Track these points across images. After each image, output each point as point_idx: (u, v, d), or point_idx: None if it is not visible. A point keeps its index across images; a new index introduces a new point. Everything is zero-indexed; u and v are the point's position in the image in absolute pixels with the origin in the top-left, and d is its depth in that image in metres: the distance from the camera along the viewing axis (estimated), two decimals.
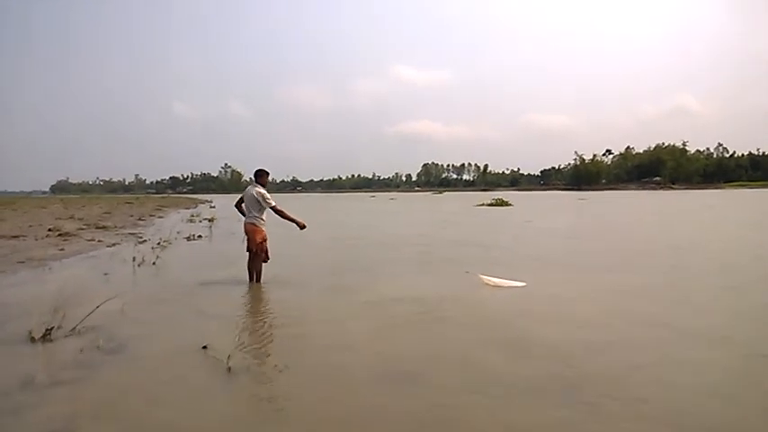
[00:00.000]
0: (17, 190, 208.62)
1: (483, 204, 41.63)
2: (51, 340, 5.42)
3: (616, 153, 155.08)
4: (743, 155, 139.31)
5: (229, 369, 4.45)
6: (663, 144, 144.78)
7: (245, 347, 5.13)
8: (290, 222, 8.68)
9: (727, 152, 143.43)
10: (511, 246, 14.56)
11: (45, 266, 10.96)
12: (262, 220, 8.55)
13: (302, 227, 8.67)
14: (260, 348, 5.23)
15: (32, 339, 5.40)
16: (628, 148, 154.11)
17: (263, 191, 8.52)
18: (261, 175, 8.72)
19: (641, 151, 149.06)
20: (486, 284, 8.26)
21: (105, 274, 9.88)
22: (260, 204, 8.46)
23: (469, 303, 7.16)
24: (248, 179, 9.22)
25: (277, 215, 8.62)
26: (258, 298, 7.85)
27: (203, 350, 5.00)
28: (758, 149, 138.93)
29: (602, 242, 15.30)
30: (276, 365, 4.63)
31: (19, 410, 3.74)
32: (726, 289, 8.04)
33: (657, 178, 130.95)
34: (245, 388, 4.16)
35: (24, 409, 3.77)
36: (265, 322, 6.43)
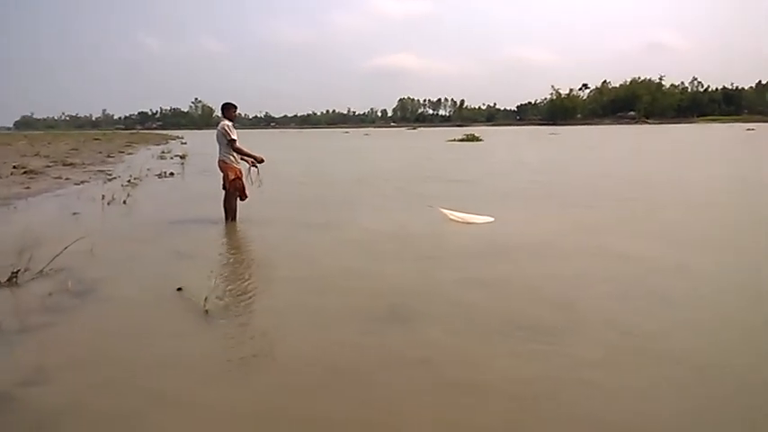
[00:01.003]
0: None
1: (454, 140, 41.67)
2: (18, 284, 5.18)
3: (592, 87, 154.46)
4: (717, 89, 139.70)
5: (206, 311, 4.31)
6: (639, 78, 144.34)
7: (221, 289, 4.97)
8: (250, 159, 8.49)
9: (702, 86, 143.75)
10: (479, 180, 14.57)
11: (10, 206, 10.55)
12: (232, 156, 8.22)
13: (260, 161, 8.51)
14: (237, 290, 5.07)
15: None
16: (604, 82, 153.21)
17: (228, 125, 8.15)
18: (227, 109, 8.34)
19: (617, 86, 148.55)
20: (453, 220, 8.24)
21: (74, 213, 9.54)
22: (225, 139, 8.14)
23: (444, 239, 7.10)
24: (218, 115, 8.80)
25: (235, 152, 8.29)
26: (234, 237, 7.66)
27: (178, 292, 4.84)
28: (732, 83, 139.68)
29: (565, 176, 15.42)
30: (254, 307, 4.52)
31: None
32: (673, 223, 8.10)
33: (632, 113, 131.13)
34: (223, 331, 4.03)
35: None
36: (242, 262, 6.29)
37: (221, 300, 4.61)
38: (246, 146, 8.50)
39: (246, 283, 5.29)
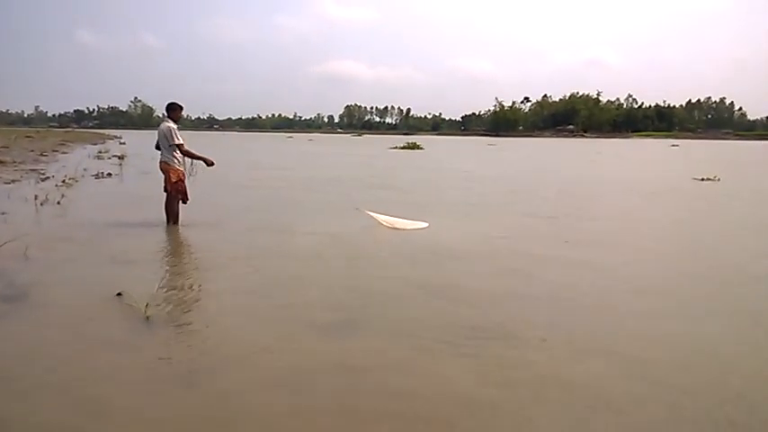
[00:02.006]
0: None
1: (396, 148, 42.50)
2: None
3: (534, 101, 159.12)
4: (650, 106, 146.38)
5: (147, 318, 4.15)
6: (577, 93, 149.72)
7: (163, 293, 4.78)
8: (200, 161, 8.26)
9: (636, 103, 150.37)
10: (414, 188, 14.96)
11: None
12: (176, 158, 7.99)
13: (210, 164, 8.29)
14: (179, 295, 4.90)
15: None
16: (545, 96, 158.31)
17: (171, 126, 7.94)
18: (173, 109, 8.11)
19: (557, 100, 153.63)
20: (384, 225, 8.35)
21: (2, 213, 9.02)
22: (168, 141, 7.91)
23: (385, 244, 7.12)
24: (160, 115, 8.57)
25: (182, 155, 8.09)
26: (176, 241, 7.43)
27: (118, 297, 4.64)
28: (664, 101, 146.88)
29: (498, 184, 16.15)
30: (196, 313, 4.38)
31: None
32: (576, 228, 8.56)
33: (571, 126, 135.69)
34: (165, 338, 3.88)
35: None
36: (184, 267, 6.11)
37: (163, 306, 4.44)
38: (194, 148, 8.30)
39: (189, 289, 5.12)
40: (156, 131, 8.10)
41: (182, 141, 7.93)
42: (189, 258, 6.65)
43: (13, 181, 14.16)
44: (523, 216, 9.98)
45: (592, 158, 33.13)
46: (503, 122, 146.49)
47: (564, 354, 3.73)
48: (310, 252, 6.67)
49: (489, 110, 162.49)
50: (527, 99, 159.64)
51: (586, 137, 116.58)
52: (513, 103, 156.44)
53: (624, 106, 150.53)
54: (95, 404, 2.94)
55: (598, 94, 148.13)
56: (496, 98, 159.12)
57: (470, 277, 5.64)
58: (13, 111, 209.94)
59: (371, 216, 8.53)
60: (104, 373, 3.33)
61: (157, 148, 8.12)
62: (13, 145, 32.68)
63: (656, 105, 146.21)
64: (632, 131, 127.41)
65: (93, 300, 4.67)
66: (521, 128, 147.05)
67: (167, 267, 5.99)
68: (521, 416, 2.94)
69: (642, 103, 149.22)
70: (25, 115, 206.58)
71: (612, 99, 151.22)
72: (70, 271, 5.75)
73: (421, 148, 42.48)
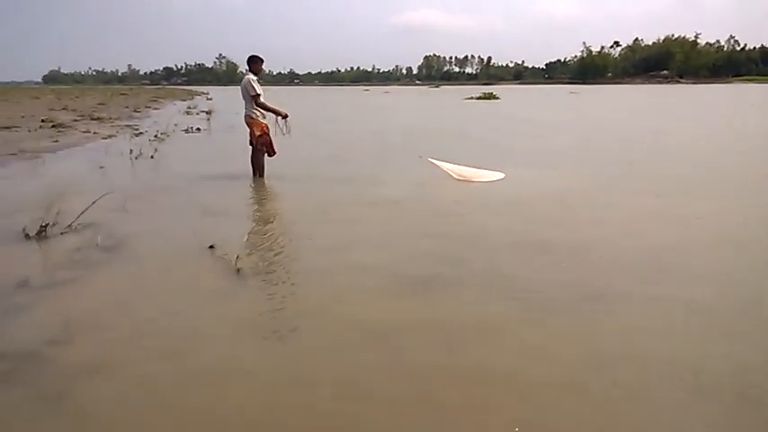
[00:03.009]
0: (8, 80, 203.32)
1: (471, 98, 41.63)
2: (47, 237, 5.09)
3: (624, 45, 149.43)
4: (754, 48, 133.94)
5: (238, 271, 4.15)
6: (672, 36, 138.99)
7: (253, 247, 4.79)
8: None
9: (738, 45, 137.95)
10: (484, 138, 14.63)
11: (38, 159, 10.53)
12: (258, 111, 7.98)
13: (284, 116, 8.15)
14: (268, 248, 4.87)
15: (27, 236, 5.07)
16: (636, 40, 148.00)
17: (252, 79, 7.90)
18: (254, 62, 8.05)
19: (650, 43, 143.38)
20: (454, 175, 8.07)
21: (101, 167, 9.45)
22: (250, 94, 7.89)
23: (467, 195, 6.82)
24: (243, 70, 8.58)
25: (258, 107, 8.03)
26: (263, 193, 7.48)
27: (210, 249, 4.69)
28: None
29: (576, 135, 15.26)
30: (285, 266, 4.32)
31: (10, 313, 3.45)
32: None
33: (665, 72, 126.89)
34: (254, 291, 3.85)
35: (17, 312, 3.47)
36: (272, 220, 6.09)
37: (252, 258, 4.43)
38: (270, 101, 8.25)
39: (277, 242, 5.08)
40: (240, 86, 8.09)
41: (259, 92, 7.88)
42: (275, 210, 6.66)
43: (110, 136, 14.86)
44: (605, 165, 9.47)
45: (683, 105, 30.84)
46: (590, 69, 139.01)
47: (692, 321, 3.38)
48: (391, 205, 6.51)
49: (575, 56, 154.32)
50: (617, 43, 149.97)
51: (682, 82, 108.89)
52: (602, 48, 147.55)
53: (725, 49, 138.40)
54: (185, 357, 2.94)
55: (696, 36, 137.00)
56: (584, 43, 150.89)
57: (568, 231, 5.29)
58: (108, 69, 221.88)
59: (436, 165, 8.23)
60: (196, 324, 3.33)
61: None
62: (109, 102, 34.49)
63: (762, 47, 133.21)
64: (733, 76, 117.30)
65: (186, 251, 4.74)
66: (609, 74, 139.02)
67: (255, 220, 6.03)
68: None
69: (745, 45, 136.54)
70: (119, 74, 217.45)
71: (711, 41, 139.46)
72: (165, 223, 5.90)
73: (496, 98, 41.54)
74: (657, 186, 7.56)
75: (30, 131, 15.32)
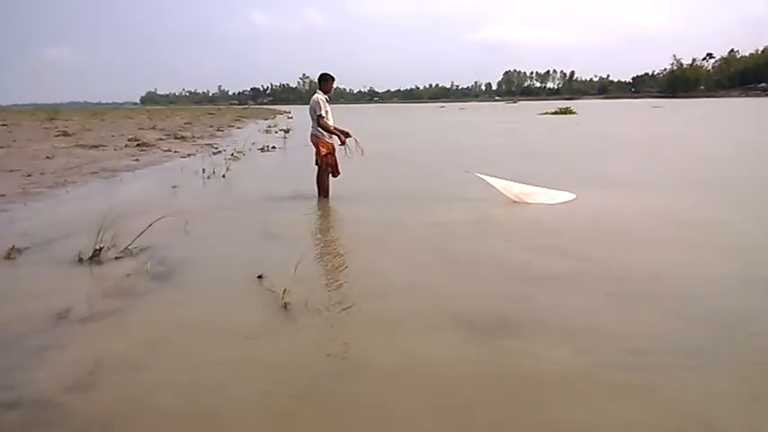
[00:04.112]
0: (110, 101, 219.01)
1: (546, 113, 41.10)
2: (100, 262, 4.95)
3: (718, 57, 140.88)
4: None
5: (285, 306, 3.77)
6: None
7: (305, 278, 4.34)
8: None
9: None
10: (553, 155, 13.86)
11: (116, 177, 10.78)
12: (324, 131, 7.69)
13: (347, 136, 7.75)
14: (322, 280, 4.50)
15: (80, 260, 4.95)
16: (731, 51, 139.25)
17: (321, 97, 7.62)
18: (325, 80, 7.78)
19: (747, 54, 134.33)
20: (509, 195, 7.48)
21: (173, 186, 9.50)
22: (316, 114, 7.60)
23: (534, 219, 6.14)
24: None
25: (320, 127, 7.71)
26: (325, 217, 7.14)
27: (259, 279, 4.36)
28: None
29: (648, 151, 14.02)
30: (339, 303, 3.88)
31: (40, 352, 3.21)
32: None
33: (764, 84, 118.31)
34: (300, 332, 3.44)
35: (47, 350, 3.23)
36: (331, 247, 5.72)
37: (302, 291, 4.01)
38: (334, 123, 7.94)
39: (333, 274, 4.70)
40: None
41: (323, 113, 7.58)
42: (334, 237, 6.29)
43: (189, 155, 15.19)
44: (689, 186, 8.43)
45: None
46: (680, 82, 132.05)
47: None
48: (457, 232, 5.98)
49: (665, 69, 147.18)
50: (710, 55, 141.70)
51: None
52: (694, 60, 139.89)
53: None
54: (211, 416, 2.55)
55: None
56: (674, 55, 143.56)
57: (670, 266, 4.57)
58: (200, 90, 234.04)
59: (486, 180, 7.65)
60: (228, 372, 2.95)
61: None
62: (196, 122, 35.95)
63: None
64: None
65: (235, 281, 4.43)
66: (702, 87, 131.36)
67: (311, 246, 5.64)
68: None
69: None
70: (210, 94, 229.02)
71: None
72: (221, 246, 5.65)
73: (573, 113, 40.46)
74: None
75: (115, 150, 15.96)
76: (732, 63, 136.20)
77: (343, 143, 7.77)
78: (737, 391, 2.67)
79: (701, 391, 2.67)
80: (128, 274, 4.57)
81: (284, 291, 3.85)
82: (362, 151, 7.94)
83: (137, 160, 13.62)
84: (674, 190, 8.22)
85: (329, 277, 4.57)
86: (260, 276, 4.38)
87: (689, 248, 5.16)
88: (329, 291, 4.20)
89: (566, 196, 7.59)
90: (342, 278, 4.54)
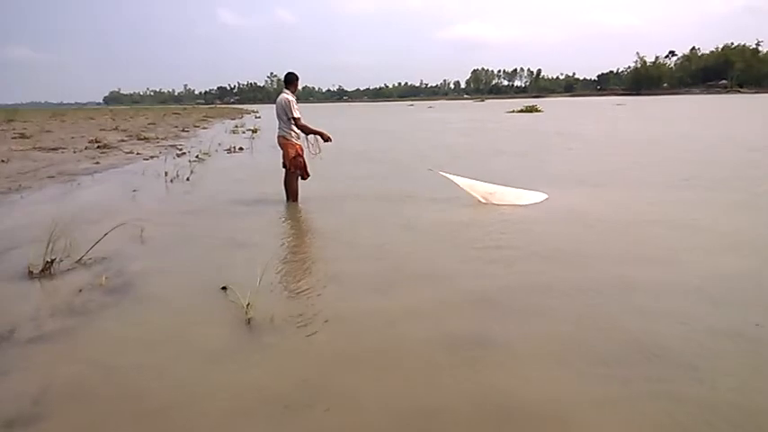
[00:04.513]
0: (72, 101, 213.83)
1: (513, 111, 42.00)
2: (52, 275, 4.64)
3: (680, 55, 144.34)
4: None
5: (249, 321, 3.55)
6: (732, 44, 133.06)
7: (271, 289, 4.16)
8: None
9: None
10: (521, 153, 13.93)
11: (74, 182, 10.33)
12: (293, 132, 7.46)
13: (327, 139, 7.56)
14: (289, 291, 4.27)
15: (30, 274, 4.63)
16: (693, 49, 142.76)
17: (290, 98, 7.37)
18: (291, 81, 7.53)
19: (708, 52, 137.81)
20: (476, 195, 7.37)
21: (134, 190, 9.14)
22: (287, 114, 7.35)
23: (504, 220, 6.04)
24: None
25: (299, 129, 7.52)
26: (293, 222, 6.90)
27: (222, 291, 4.12)
28: None
29: (616, 149, 13.80)
30: (306, 317, 3.66)
31: None
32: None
33: (724, 81, 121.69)
34: (263, 352, 3.21)
35: None
36: (299, 255, 5.48)
37: (268, 305, 3.79)
38: (312, 122, 7.73)
39: (301, 283, 4.44)
40: (275, 105, 7.61)
41: (299, 115, 7.36)
42: (303, 242, 6.07)
43: (152, 157, 14.72)
44: (667, 188, 8.36)
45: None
46: (644, 80, 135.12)
47: None
48: (431, 236, 5.81)
49: (629, 67, 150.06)
50: (672, 53, 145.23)
51: (742, 92, 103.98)
52: (657, 58, 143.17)
53: None
54: None
55: (757, 44, 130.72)
56: (637, 53, 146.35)
57: (658, 272, 4.48)
58: (165, 89, 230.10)
59: (449, 179, 7.58)
60: (183, 400, 2.72)
61: None
62: (160, 122, 35.19)
63: None
64: None
65: (196, 294, 4.18)
66: (665, 85, 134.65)
67: (279, 254, 5.39)
68: None
69: None
70: (176, 93, 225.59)
71: None
72: (182, 255, 5.37)
73: (539, 111, 41.43)
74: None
75: (75, 152, 15.40)
76: (693, 61, 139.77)
77: (327, 140, 7.57)
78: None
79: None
80: (81, 289, 4.28)
81: (247, 305, 3.62)
82: (319, 150, 7.76)
83: (97, 163, 13.12)
84: (649, 189, 8.20)
85: (296, 288, 4.32)
86: (224, 288, 4.15)
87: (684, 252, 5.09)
88: (296, 304, 3.97)
89: (537, 196, 7.46)
90: (309, 289, 4.29)
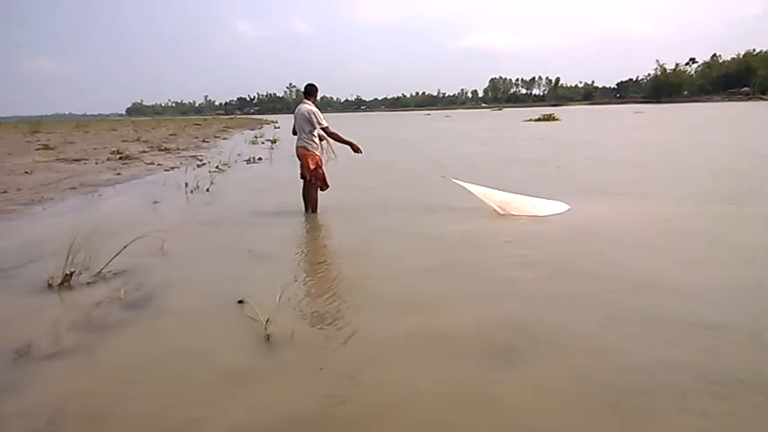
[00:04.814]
0: (95, 113, 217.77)
1: (530, 120, 41.76)
2: (70, 287, 4.61)
3: (701, 62, 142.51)
4: None
5: (268, 337, 3.47)
6: (754, 51, 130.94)
7: (291, 303, 4.06)
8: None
9: None
10: (539, 162, 13.66)
11: (96, 193, 10.39)
12: (314, 142, 7.41)
13: (356, 150, 7.48)
14: (309, 305, 4.17)
15: (50, 286, 4.61)
16: (714, 56, 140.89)
17: (314, 108, 7.32)
18: (311, 92, 7.50)
19: (729, 59, 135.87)
20: (493, 205, 7.20)
21: (155, 201, 9.15)
22: (311, 124, 7.29)
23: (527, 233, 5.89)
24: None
25: (330, 138, 7.48)
26: (313, 234, 6.84)
27: (239, 305, 4.05)
28: None
29: (633, 158, 13.53)
30: (327, 334, 3.58)
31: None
32: None
33: (746, 89, 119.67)
34: (283, 370, 3.13)
35: (3, 393, 2.91)
36: (319, 267, 5.39)
37: (288, 320, 3.73)
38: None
39: (321, 299, 4.34)
40: (293, 115, 7.57)
41: (327, 123, 7.33)
42: (324, 255, 5.97)
43: (173, 168, 14.80)
44: (687, 198, 8.06)
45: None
46: (664, 87, 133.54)
47: None
48: (452, 252, 5.69)
49: (649, 74, 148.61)
50: (693, 60, 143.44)
51: (765, 99, 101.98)
52: (677, 65, 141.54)
53: None
54: None
55: None
56: (657, 61, 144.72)
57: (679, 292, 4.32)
58: (186, 101, 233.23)
59: (463, 187, 7.45)
60: (201, 417, 2.64)
61: (294, 133, 7.60)
62: (181, 132, 35.55)
63: None
64: None
65: (214, 307, 4.11)
66: (686, 93, 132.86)
67: (298, 267, 5.33)
68: None
69: None
70: (196, 104, 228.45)
71: None
72: (202, 268, 5.31)
73: (556, 120, 41.19)
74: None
75: (97, 163, 15.56)
76: (714, 68, 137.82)
77: (357, 151, 7.51)
78: None
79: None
80: (99, 302, 4.24)
81: (267, 321, 3.54)
82: (335, 155, 7.74)
83: (118, 174, 13.22)
84: (675, 200, 7.99)
85: (316, 304, 4.22)
86: (240, 301, 4.07)
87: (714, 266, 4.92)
88: (316, 320, 3.88)
89: (558, 207, 7.28)
90: (330, 305, 4.19)
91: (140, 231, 6.10)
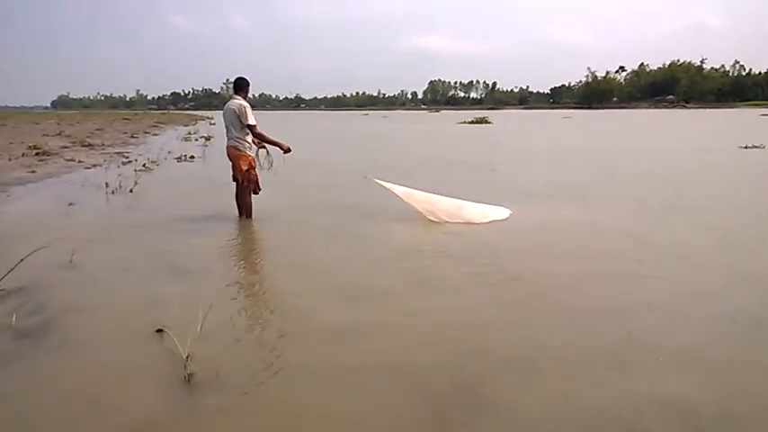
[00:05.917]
0: (18, 105, 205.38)
1: (464, 123, 43.04)
2: None
3: (630, 70, 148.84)
4: (760, 72, 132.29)
5: (188, 377, 2.92)
6: (678, 61, 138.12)
7: (217, 331, 3.50)
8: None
9: (744, 70, 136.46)
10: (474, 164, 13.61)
11: (4, 193, 9.37)
12: (246, 142, 6.81)
13: (287, 150, 6.91)
14: (238, 333, 3.61)
15: None
16: (641, 65, 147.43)
17: (244, 103, 6.73)
18: (242, 86, 6.89)
19: (656, 68, 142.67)
20: (423, 210, 6.84)
21: (70, 204, 8.29)
22: (241, 122, 6.70)
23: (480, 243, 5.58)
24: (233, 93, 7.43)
25: (256, 138, 6.92)
26: (245, 243, 6.25)
27: (158, 334, 3.47)
28: None
29: (561, 161, 13.69)
30: (257, 370, 3.06)
31: None
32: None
33: (671, 97, 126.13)
34: (207, 422, 2.60)
35: None
36: (249, 285, 4.79)
37: (213, 353, 3.18)
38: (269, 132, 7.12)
39: (251, 324, 3.81)
40: (222, 112, 6.94)
41: (255, 122, 6.73)
42: (256, 270, 5.38)
43: (95, 165, 13.76)
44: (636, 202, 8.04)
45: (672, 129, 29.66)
46: (595, 94, 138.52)
47: None
48: (390, 264, 5.28)
49: (580, 81, 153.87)
50: (622, 68, 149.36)
51: (688, 107, 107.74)
52: (607, 72, 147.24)
53: (730, 74, 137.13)
54: None
55: (701, 62, 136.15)
56: (588, 68, 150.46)
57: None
58: (116, 94, 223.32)
59: (387, 187, 7.08)
60: None
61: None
62: (108, 127, 33.70)
63: None
64: (739, 101, 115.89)
65: (128, 338, 3.51)
66: (615, 99, 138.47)
67: (228, 284, 4.70)
68: None
69: (751, 70, 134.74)
70: (127, 99, 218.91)
71: (717, 66, 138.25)
72: (116, 285, 4.64)
73: (489, 123, 42.42)
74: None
75: (10, 160, 14.26)
76: (642, 76, 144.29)
77: (287, 151, 6.91)
78: None
79: None
80: None
81: (187, 357, 2.99)
82: (271, 165, 7.20)
83: (32, 172, 12.08)
84: (617, 203, 7.88)
85: (245, 331, 3.67)
86: (159, 330, 3.50)
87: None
88: (245, 352, 3.33)
89: (498, 212, 6.94)
90: (262, 331, 3.68)
91: (48, 238, 5.40)
